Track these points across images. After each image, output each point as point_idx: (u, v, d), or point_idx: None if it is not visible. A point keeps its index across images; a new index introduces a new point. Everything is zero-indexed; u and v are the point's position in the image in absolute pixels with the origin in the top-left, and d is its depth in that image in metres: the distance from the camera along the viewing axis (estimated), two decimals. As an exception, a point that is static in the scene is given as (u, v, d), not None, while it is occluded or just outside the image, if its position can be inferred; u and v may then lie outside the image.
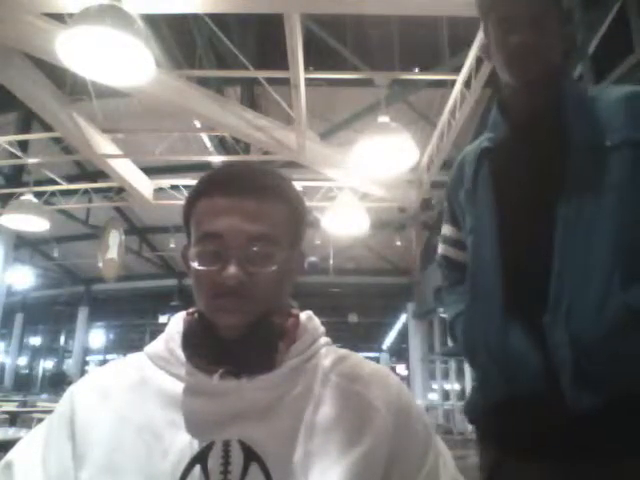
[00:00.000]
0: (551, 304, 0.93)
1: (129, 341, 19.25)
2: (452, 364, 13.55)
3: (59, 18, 4.01)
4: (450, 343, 12.54)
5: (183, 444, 0.62)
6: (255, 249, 0.66)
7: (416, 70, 7.40)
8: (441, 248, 1.26)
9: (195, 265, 0.67)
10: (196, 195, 0.71)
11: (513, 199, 1.03)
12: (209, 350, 0.67)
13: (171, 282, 15.34)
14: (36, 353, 20.46)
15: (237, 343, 0.66)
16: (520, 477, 0.98)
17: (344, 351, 0.75)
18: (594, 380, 0.89)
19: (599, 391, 0.89)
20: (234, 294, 0.65)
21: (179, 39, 6.69)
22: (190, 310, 0.75)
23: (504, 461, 1.01)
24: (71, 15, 3.20)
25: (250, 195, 0.68)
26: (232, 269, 0.65)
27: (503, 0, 1.05)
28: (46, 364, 20.69)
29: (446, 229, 1.25)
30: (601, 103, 1.00)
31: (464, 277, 1.15)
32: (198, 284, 0.68)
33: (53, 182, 8.12)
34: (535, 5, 1.02)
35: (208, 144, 7.30)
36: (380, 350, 21.26)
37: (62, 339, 20.07)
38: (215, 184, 0.70)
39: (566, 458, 0.92)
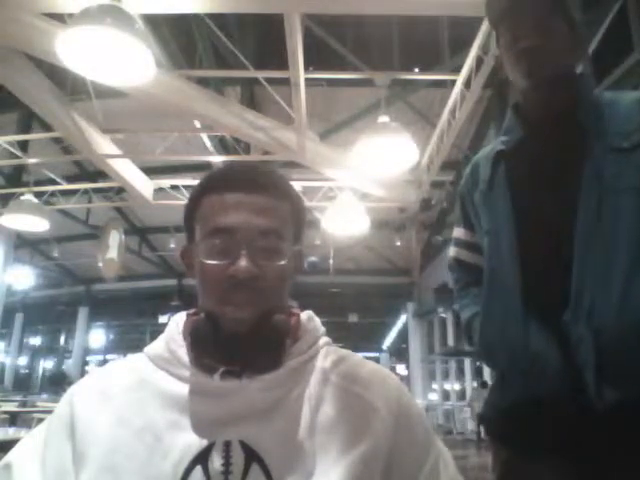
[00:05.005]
0: (572, 302, 0.94)
1: (129, 341, 19.26)
2: (452, 364, 13.55)
3: (59, 18, 4.01)
4: (451, 343, 12.56)
5: (184, 445, 0.62)
6: (265, 243, 0.67)
7: (416, 70, 7.40)
8: (453, 251, 1.27)
9: (204, 260, 0.67)
10: (202, 191, 0.71)
11: (531, 200, 1.04)
12: (217, 349, 0.67)
13: (171, 282, 15.34)
14: (36, 353, 20.48)
15: (246, 339, 0.66)
16: (535, 477, 0.97)
17: (344, 351, 0.75)
18: (617, 376, 0.90)
19: (622, 387, 0.89)
20: (245, 287, 0.65)
21: (179, 39, 6.68)
22: (191, 311, 0.74)
23: (518, 461, 1.01)
24: (71, 15, 3.19)
25: (256, 191, 0.69)
26: (244, 262, 0.65)
27: (510, 10, 1.08)
28: (46, 364, 20.70)
29: (459, 232, 1.26)
30: (616, 107, 1.03)
31: (477, 279, 1.16)
32: (207, 279, 0.68)
33: (53, 182, 8.12)
34: (541, 11, 1.05)
35: (208, 144, 7.29)
36: (380, 350, 21.26)
37: (62, 339, 20.09)
38: (221, 181, 0.71)
39: (585, 457, 0.92)
